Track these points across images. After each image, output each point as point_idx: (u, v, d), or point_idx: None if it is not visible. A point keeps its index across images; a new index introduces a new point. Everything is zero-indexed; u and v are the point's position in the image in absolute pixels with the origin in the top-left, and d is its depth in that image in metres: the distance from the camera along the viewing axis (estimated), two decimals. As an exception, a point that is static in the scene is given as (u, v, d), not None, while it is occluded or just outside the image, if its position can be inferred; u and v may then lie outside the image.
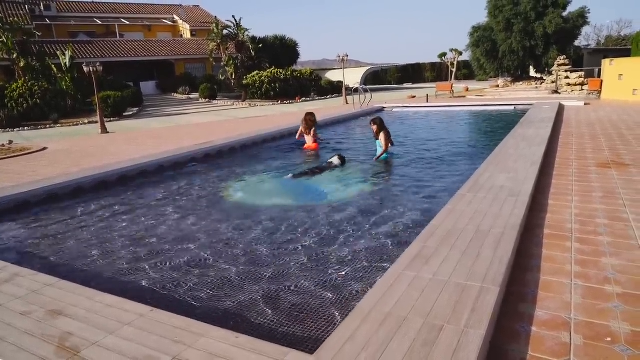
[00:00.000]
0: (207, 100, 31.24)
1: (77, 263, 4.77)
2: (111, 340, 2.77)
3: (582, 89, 22.75)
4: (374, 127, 9.10)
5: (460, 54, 44.39)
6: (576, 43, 29.86)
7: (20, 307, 3.30)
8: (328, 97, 33.24)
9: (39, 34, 32.26)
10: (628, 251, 3.91)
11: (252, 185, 7.96)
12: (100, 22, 40.87)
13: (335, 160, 8.67)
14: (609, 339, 2.72)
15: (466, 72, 49.41)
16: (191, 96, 33.21)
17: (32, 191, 7.19)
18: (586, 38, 50.84)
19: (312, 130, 10.83)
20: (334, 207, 6.18)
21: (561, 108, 15.87)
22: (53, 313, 3.17)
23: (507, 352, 2.66)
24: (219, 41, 33.82)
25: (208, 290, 3.95)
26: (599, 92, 20.47)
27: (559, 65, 24.44)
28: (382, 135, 8.98)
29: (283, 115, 20.58)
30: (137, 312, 3.10)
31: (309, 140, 10.96)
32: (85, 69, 18.30)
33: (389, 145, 9.12)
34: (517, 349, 2.68)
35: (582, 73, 23.81)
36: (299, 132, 11.10)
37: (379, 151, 9.06)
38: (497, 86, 29.55)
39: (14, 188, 7.41)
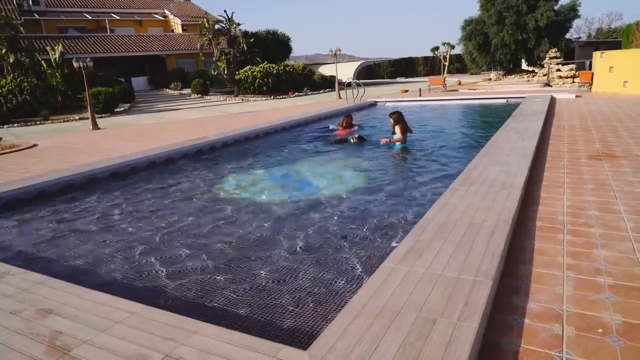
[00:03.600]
0: (199, 95, 31.05)
1: (68, 261, 4.73)
2: (102, 339, 2.75)
3: (574, 82, 22.85)
4: (391, 120, 9.97)
5: (453, 47, 44.45)
6: (567, 36, 29.92)
7: (9, 305, 3.26)
8: (321, 91, 33.18)
9: (27, 30, 31.83)
10: (619, 242, 3.93)
11: (246, 180, 7.93)
12: (90, 17, 40.37)
13: (356, 139, 10.64)
14: (600, 330, 2.73)
15: (458, 65, 49.47)
16: (183, 92, 32.99)
17: (21, 189, 7.12)
18: (577, 31, 51.06)
19: (349, 127, 12.39)
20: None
21: (553, 101, 15.93)
22: (43, 312, 3.13)
23: (500, 345, 2.67)
24: (210, 36, 33.56)
25: (202, 287, 3.92)
26: (590, 84, 20.58)
27: (551, 58, 24.52)
28: (397, 128, 9.74)
29: (277, 110, 20.49)
30: (129, 310, 3.07)
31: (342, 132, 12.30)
32: (75, 64, 18.09)
33: (406, 134, 9.87)
34: (510, 341, 2.69)
35: (574, 66, 23.91)
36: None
37: (394, 139, 9.85)
38: (490, 79, 29.63)
39: (3, 185, 7.33)
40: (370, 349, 2.42)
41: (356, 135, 10.89)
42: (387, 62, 53.71)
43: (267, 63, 32.79)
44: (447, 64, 46.95)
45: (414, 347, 2.41)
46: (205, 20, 33.84)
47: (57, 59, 25.85)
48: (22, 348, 2.71)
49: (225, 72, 33.26)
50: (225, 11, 34.45)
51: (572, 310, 2.95)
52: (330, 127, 13.09)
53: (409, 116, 14.89)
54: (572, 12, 27.35)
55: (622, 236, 4.07)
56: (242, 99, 29.34)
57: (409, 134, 9.96)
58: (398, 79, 47.28)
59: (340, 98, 24.34)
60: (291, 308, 3.45)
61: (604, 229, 4.25)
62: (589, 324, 2.80)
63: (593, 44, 32.35)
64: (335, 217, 5.52)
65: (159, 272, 4.28)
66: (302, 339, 2.99)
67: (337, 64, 28.75)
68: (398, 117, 9.81)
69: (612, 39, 36.70)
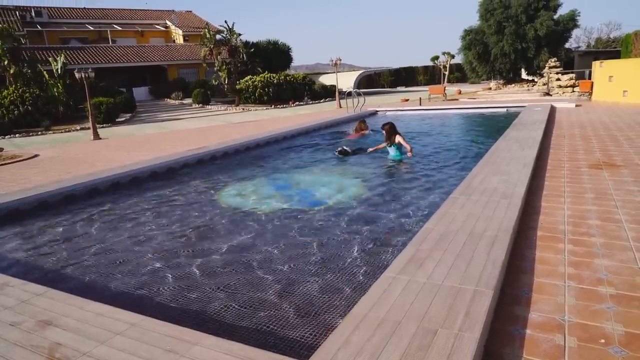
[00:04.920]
0: (200, 105, 31.19)
1: (68, 272, 4.72)
2: (102, 350, 2.73)
3: (573, 91, 22.93)
4: (384, 132, 9.49)
5: (453, 57, 44.65)
6: (567, 45, 30.11)
7: (9, 317, 3.25)
8: (321, 101, 33.31)
9: (30, 43, 32.08)
10: (621, 252, 3.92)
11: (246, 189, 7.93)
12: (92, 28, 40.75)
13: (337, 152, 10.41)
14: (602, 341, 2.71)
15: (458, 75, 49.70)
16: (184, 101, 33.14)
17: (23, 199, 7.12)
18: (576, 40, 51.42)
19: (362, 130, 13.22)
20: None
21: (553, 110, 15.97)
22: (43, 323, 3.12)
23: (501, 356, 2.65)
24: (211, 46, 33.80)
25: (203, 299, 3.91)
26: (590, 93, 20.64)
27: (550, 67, 24.63)
28: (398, 138, 9.43)
29: (278, 120, 20.56)
30: (129, 321, 3.06)
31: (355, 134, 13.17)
32: (77, 75, 18.21)
33: (400, 145, 9.48)
34: (512, 352, 2.67)
35: (573, 75, 24.00)
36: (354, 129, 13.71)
37: (393, 152, 9.53)
38: (490, 89, 29.74)
39: (4, 196, 7.34)
40: (371, 360, 2.40)
41: (338, 148, 10.53)
42: (387, 72, 53.97)
43: (267, 73, 32.98)
44: (447, 73, 47.14)
45: (415, 358, 2.40)
46: (206, 30, 34.09)
47: (59, 69, 26.02)
48: (22, 360, 2.70)
49: (226, 82, 33.44)
50: (226, 22, 34.75)
51: (574, 321, 2.93)
52: (348, 131, 13.82)
53: (410, 126, 14.99)
54: (571, 21, 27.55)
55: (623, 245, 4.05)
56: (243, 109, 29.46)
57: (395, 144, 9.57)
58: (398, 88, 47.46)
59: (340, 107, 24.42)
60: (292, 318, 3.44)
61: (605, 238, 4.24)
62: (591, 334, 2.78)
63: (592, 54, 32.55)
64: (334, 227, 5.51)
65: (160, 283, 4.27)
66: (302, 350, 2.98)
67: (338, 73, 28.90)
68: (391, 127, 9.54)
69: (611, 49, 36.90)
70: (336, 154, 10.37)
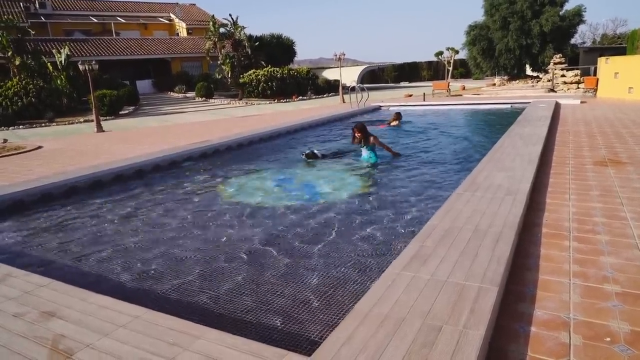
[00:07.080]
0: (203, 99, 31.14)
1: (72, 263, 4.72)
2: (105, 343, 2.73)
3: (578, 87, 22.79)
4: (358, 134, 8.66)
5: (457, 52, 44.33)
6: (572, 41, 29.92)
7: (12, 308, 3.25)
8: (325, 95, 33.21)
9: (34, 32, 32.06)
10: (626, 249, 3.90)
11: (249, 183, 7.92)
12: (96, 20, 40.65)
13: (308, 154, 9.32)
14: (608, 339, 2.70)
15: (463, 70, 49.42)
16: (187, 95, 33.11)
17: (26, 190, 7.13)
18: (582, 36, 51.08)
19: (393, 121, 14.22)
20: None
21: (557, 106, 15.87)
22: (46, 314, 3.12)
23: (506, 353, 2.64)
24: (215, 39, 33.70)
25: (205, 292, 3.91)
26: (595, 90, 20.50)
27: (555, 63, 24.48)
28: (373, 140, 8.70)
29: (281, 114, 20.51)
30: (132, 314, 3.05)
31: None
32: (80, 67, 18.21)
33: (374, 146, 8.77)
34: (517, 349, 2.66)
35: (578, 71, 23.85)
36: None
37: (367, 157, 8.77)
38: (494, 85, 29.59)
39: (9, 187, 7.35)
40: (375, 356, 2.39)
41: (306, 151, 9.41)
42: (391, 67, 53.74)
43: (271, 67, 32.87)
44: (451, 68, 46.88)
45: (419, 355, 2.39)
46: (210, 24, 33.97)
47: (63, 61, 25.99)
48: (25, 351, 2.70)
49: (230, 76, 33.34)
50: (230, 15, 34.58)
51: (579, 318, 2.92)
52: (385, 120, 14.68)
53: (414, 121, 14.96)
54: (577, 17, 27.36)
55: (629, 243, 4.03)
56: (246, 103, 29.40)
57: (374, 149, 8.82)
58: (402, 84, 47.28)
59: (344, 102, 24.33)
60: (294, 313, 3.43)
61: (611, 235, 4.22)
62: (597, 332, 2.77)
63: (598, 50, 32.32)
64: (335, 222, 5.50)
65: (162, 276, 4.27)
66: (304, 344, 2.97)
67: (341, 68, 28.80)
68: (364, 128, 8.71)
69: (617, 45, 36.64)
70: (303, 156, 9.31)
